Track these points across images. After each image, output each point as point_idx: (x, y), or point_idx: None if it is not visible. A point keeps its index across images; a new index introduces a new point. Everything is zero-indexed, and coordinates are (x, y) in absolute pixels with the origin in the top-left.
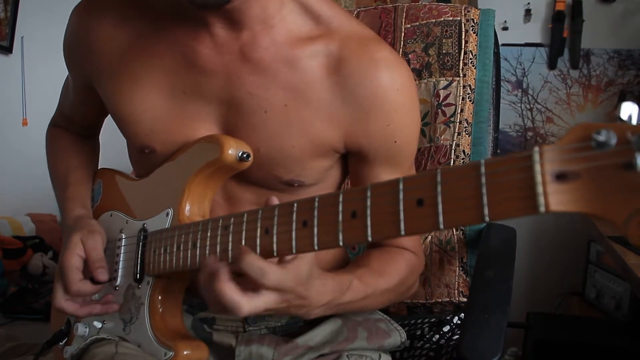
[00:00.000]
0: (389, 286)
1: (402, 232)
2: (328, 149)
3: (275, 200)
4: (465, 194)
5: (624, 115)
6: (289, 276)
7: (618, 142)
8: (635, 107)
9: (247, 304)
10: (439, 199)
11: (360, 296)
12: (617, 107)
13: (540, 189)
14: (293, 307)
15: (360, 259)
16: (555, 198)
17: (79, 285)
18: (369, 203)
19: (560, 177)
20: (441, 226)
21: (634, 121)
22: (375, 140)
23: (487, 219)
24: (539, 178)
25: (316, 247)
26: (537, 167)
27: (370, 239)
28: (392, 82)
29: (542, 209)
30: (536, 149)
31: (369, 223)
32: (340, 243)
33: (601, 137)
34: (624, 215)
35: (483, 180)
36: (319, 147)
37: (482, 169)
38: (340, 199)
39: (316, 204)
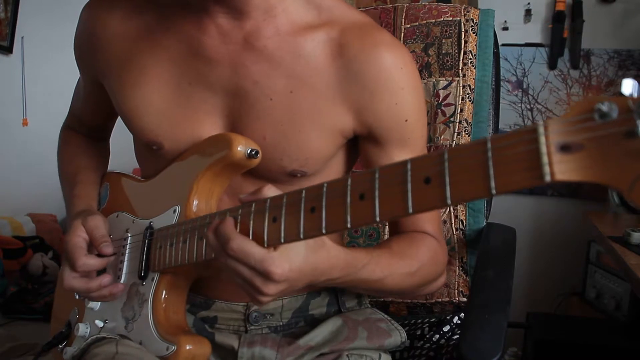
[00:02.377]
0: (410, 270)
1: (410, 210)
2: (335, 134)
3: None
4: (472, 168)
5: (625, 91)
6: (272, 260)
7: (620, 112)
8: (635, 83)
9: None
10: (446, 174)
11: (377, 276)
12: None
13: (545, 159)
14: (297, 284)
15: (381, 244)
16: (560, 167)
17: (84, 260)
18: (377, 184)
19: (565, 148)
20: (449, 201)
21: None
22: (384, 120)
23: (493, 191)
24: (544, 149)
25: (324, 231)
26: (542, 139)
27: (378, 219)
28: (395, 62)
29: (548, 178)
30: (541, 122)
31: (376, 203)
32: (348, 225)
33: (604, 108)
34: (628, 182)
35: (489, 154)
36: (326, 132)
37: (489, 144)
38: (349, 182)
39: (324, 190)
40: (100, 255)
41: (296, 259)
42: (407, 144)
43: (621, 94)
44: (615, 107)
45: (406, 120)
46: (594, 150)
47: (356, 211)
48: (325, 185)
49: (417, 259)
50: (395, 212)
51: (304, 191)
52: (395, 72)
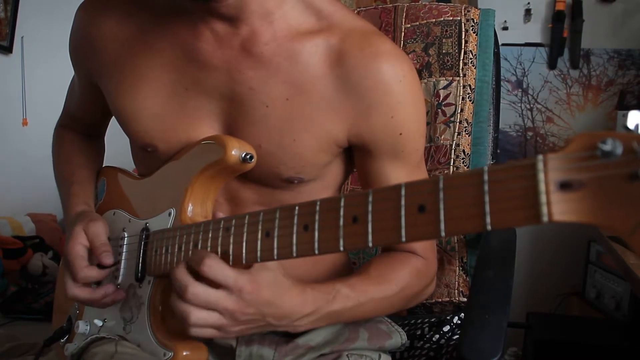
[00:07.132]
0: (388, 294)
1: (403, 239)
2: (330, 143)
3: (219, 215)
4: (468, 202)
5: (630, 124)
6: (243, 277)
7: (624, 151)
8: None
9: (196, 287)
10: (441, 206)
11: (351, 304)
12: (617, 105)
13: (543, 198)
14: (269, 317)
15: (363, 266)
16: (559, 208)
17: (85, 272)
18: (370, 208)
19: (565, 186)
20: (442, 234)
21: None
22: (378, 133)
23: (489, 227)
24: (542, 187)
25: (317, 252)
26: (541, 176)
27: (370, 244)
28: (394, 74)
29: (545, 218)
30: (540, 157)
31: (369, 229)
32: (341, 248)
33: (607, 147)
34: (629, 227)
35: (486, 187)
36: (321, 141)
37: (485, 177)
38: (342, 204)
39: (317, 208)
40: (100, 265)
41: (266, 280)
42: (398, 156)
43: (626, 128)
44: (620, 145)
45: (400, 134)
46: (594, 191)
47: (349, 235)
48: (318, 202)
49: (396, 283)
50: (388, 239)
51: (297, 207)
52: (393, 85)
